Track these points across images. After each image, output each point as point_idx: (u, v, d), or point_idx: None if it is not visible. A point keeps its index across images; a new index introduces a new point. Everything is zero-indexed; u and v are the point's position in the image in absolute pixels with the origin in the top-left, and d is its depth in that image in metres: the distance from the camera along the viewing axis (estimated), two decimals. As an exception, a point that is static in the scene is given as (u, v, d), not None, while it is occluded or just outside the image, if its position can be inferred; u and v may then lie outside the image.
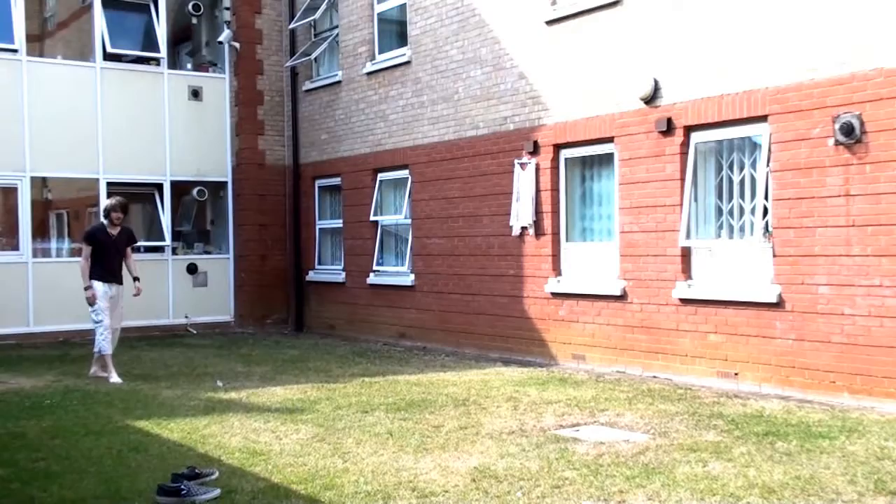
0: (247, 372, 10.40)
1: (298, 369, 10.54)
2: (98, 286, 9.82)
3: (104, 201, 11.92)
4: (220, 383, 9.44)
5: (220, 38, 15.51)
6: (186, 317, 14.98)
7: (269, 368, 10.67)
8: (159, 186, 15.03)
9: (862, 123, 7.66)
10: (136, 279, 10.20)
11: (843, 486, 5.15)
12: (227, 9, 15.54)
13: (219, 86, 15.61)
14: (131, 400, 8.48)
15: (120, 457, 6.17)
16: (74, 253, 13.55)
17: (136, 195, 15.01)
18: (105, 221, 10.12)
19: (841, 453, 5.91)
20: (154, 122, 14.91)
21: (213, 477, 5.50)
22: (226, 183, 15.68)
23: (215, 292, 15.42)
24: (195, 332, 14.79)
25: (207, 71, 15.73)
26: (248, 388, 9.08)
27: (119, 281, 10.04)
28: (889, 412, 7.26)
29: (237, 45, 15.48)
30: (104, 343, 9.75)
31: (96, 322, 9.81)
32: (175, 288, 15.06)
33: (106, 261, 9.90)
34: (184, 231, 15.63)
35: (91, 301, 9.76)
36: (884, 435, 6.43)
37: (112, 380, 9.65)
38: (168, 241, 14.98)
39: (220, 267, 15.57)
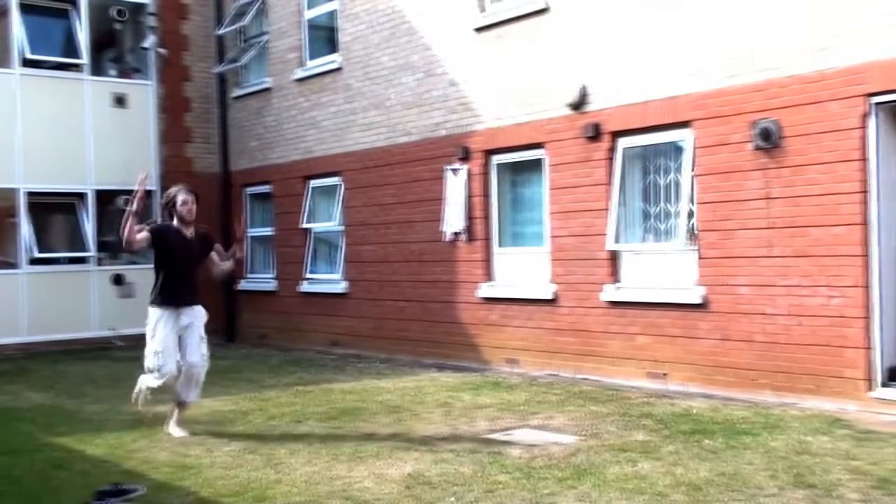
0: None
1: (229, 380, 10.38)
2: (159, 318, 6.98)
3: (166, 192, 7.41)
4: (148, 396, 9.21)
5: (145, 44, 15.20)
6: (112, 329, 14.61)
7: (199, 380, 10.48)
8: (82, 195, 14.63)
9: (779, 129, 7.91)
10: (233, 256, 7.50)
11: (765, 480, 5.30)
12: (152, 14, 15.24)
13: (144, 92, 15.29)
14: (54, 416, 8.24)
15: (42, 475, 5.99)
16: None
17: (57, 205, 14.61)
18: (173, 221, 7.09)
19: (763, 449, 6.09)
20: (76, 130, 14.52)
21: (140, 493, 5.38)
22: (152, 191, 15.33)
23: (143, 303, 14.96)
24: (121, 343, 14.42)
25: (132, 77, 15.39)
26: (178, 401, 8.89)
27: (192, 302, 7.12)
28: (809, 408, 7.50)
29: (163, 51, 15.21)
30: (147, 390, 7.24)
31: (155, 368, 6.97)
32: (100, 299, 14.67)
33: (175, 275, 6.97)
34: (108, 241, 15.24)
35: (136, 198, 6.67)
36: (803, 430, 6.64)
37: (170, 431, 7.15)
38: (92, 251, 14.60)
39: (147, 277, 15.13)
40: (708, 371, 8.51)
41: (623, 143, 9.37)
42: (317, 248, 13.85)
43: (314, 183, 13.64)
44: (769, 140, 7.96)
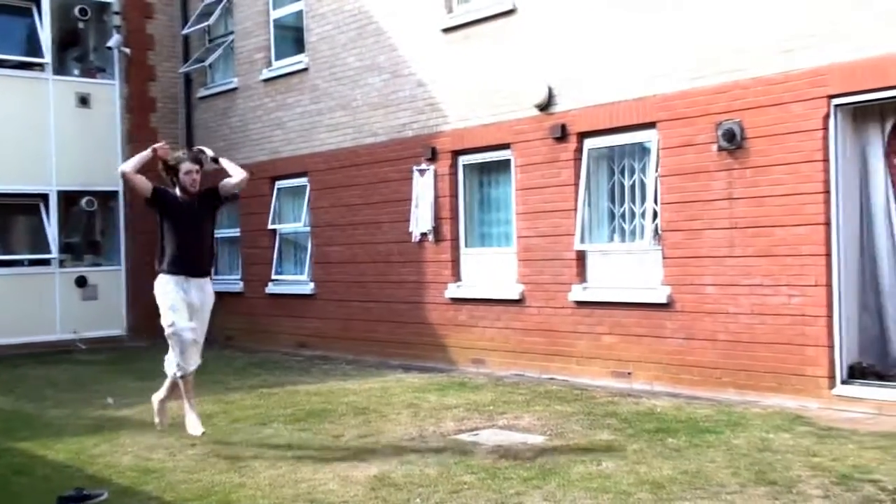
0: (140, 387, 10.01)
1: (195, 383, 10.27)
2: (168, 284, 6.53)
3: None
4: (110, 400, 9.12)
5: (110, 44, 15.02)
6: (75, 332, 14.40)
7: (163, 383, 10.35)
8: (45, 197, 14.41)
9: (742, 130, 8.00)
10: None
11: (727, 478, 5.35)
12: (117, 13, 15.07)
13: (108, 92, 15.10)
14: (14, 420, 8.10)
15: (2, 481, 5.89)
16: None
17: (19, 206, 14.38)
18: (176, 189, 6.62)
19: (726, 447, 6.15)
20: (39, 130, 14.29)
21: (103, 498, 5.32)
22: (117, 192, 15.16)
23: (106, 305, 14.89)
24: (84, 347, 14.23)
25: (96, 77, 15.20)
26: (141, 405, 8.75)
27: (200, 272, 6.67)
28: (770, 406, 7.59)
29: (127, 50, 15.03)
30: (176, 359, 6.59)
31: (169, 325, 6.48)
32: (62, 302, 14.46)
33: (178, 244, 6.50)
34: (72, 243, 15.04)
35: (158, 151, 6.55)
36: (765, 427, 6.72)
37: (189, 429, 6.64)
38: (55, 253, 14.38)
39: (111, 279, 15.05)
40: (673, 370, 8.57)
41: (589, 143, 9.41)
42: (283, 249, 13.76)
43: (281, 184, 13.56)
44: (733, 141, 8.04)
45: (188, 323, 6.52)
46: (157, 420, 6.96)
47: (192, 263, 6.59)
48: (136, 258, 14.98)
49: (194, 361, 6.72)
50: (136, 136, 15.07)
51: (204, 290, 6.72)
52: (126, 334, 14.97)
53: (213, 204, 6.78)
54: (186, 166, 6.55)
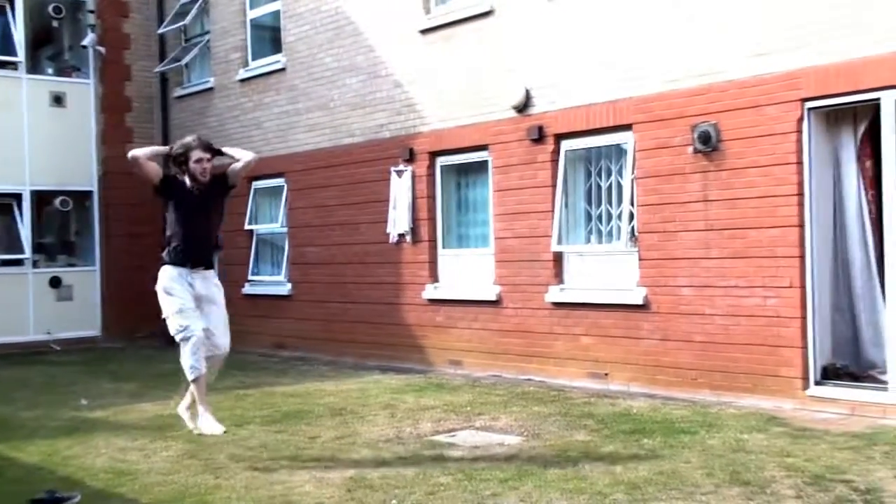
0: (115, 389, 10.00)
1: (171, 384, 10.09)
2: (172, 276, 6.12)
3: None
4: (84, 402, 9.03)
5: (84, 43, 14.88)
6: (48, 332, 14.24)
7: (138, 384, 10.28)
8: (18, 196, 14.25)
9: (718, 132, 8.06)
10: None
11: (702, 478, 5.38)
12: (91, 12, 14.94)
13: (83, 91, 14.97)
14: (-13, 422, 8.01)
15: (-28, 483, 5.82)
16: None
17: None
18: (185, 178, 6.18)
19: (701, 447, 6.19)
20: (12, 129, 14.13)
21: (76, 500, 5.26)
22: (92, 192, 15.03)
23: (81, 306, 14.74)
24: (58, 348, 14.08)
25: (70, 76, 15.06)
26: (116, 406, 8.74)
27: (206, 263, 6.27)
28: (745, 406, 7.65)
29: (102, 49, 14.89)
30: (189, 360, 6.04)
31: (178, 331, 6.03)
32: (36, 303, 14.30)
33: (184, 233, 6.12)
34: (46, 243, 14.88)
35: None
36: (739, 428, 6.77)
37: (201, 426, 6.17)
38: (28, 253, 14.23)
39: (86, 279, 14.90)
40: (650, 371, 8.62)
41: (566, 145, 9.45)
42: (260, 250, 13.70)
43: (258, 184, 13.49)
44: (708, 143, 8.09)
45: (199, 323, 6.05)
46: (190, 425, 6.31)
47: (199, 254, 6.19)
48: (112, 258, 14.88)
49: (223, 344, 6.33)
50: (111, 136, 14.96)
51: (209, 281, 6.28)
52: (101, 335, 14.84)
53: (222, 191, 6.39)
54: (197, 154, 6.08)
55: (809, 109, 7.54)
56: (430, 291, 10.82)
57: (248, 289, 13.54)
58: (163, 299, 6.11)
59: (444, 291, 10.70)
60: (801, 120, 7.56)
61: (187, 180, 6.17)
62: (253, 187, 13.54)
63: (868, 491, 5.04)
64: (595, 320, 9.09)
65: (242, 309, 13.66)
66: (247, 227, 13.53)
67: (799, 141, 7.57)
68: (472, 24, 10.26)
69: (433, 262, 10.87)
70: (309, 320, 12.51)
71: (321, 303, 12.34)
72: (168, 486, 5.59)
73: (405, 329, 11.14)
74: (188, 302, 6.04)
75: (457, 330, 10.53)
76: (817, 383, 7.54)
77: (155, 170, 6.16)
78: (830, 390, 7.44)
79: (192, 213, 6.16)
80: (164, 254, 6.20)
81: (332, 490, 5.37)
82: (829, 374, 7.60)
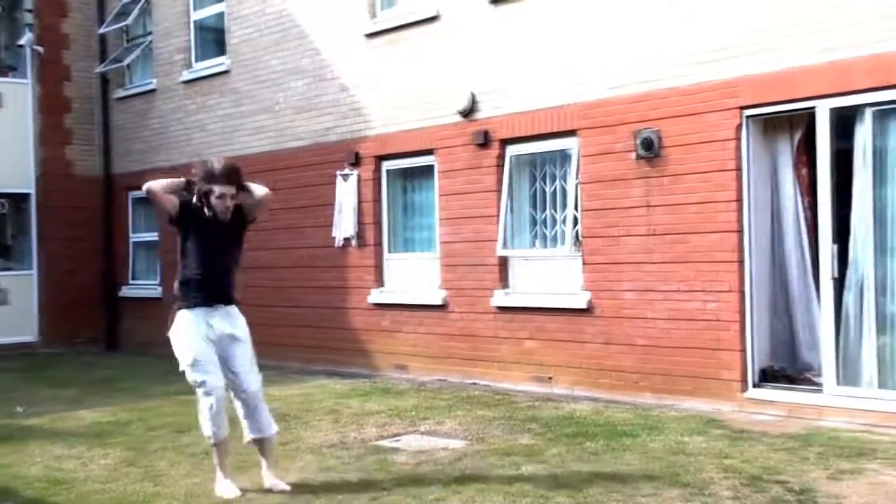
0: (52, 395, 9.76)
1: (110, 390, 10.02)
2: (187, 322, 5.56)
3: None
4: (19, 409, 8.80)
5: (21, 42, 14.53)
6: (-17, 339, 13.88)
7: (77, 391, 10.06)
8: (-48, 199, 13.89)
9: (660, 139, 8.19)
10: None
11: (643, 481, 5.45)
12: (29, 11, 14.58)
13: (20, 92, 14.59)
14: (-84, 432, 7.75)
15: None
16: None
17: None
18: (204, 209, 5.49)
19: (642, 450, 6.27)
20: (-54, 129, 13.77)
21: (8, 511, 5.08)
22: (29, 195, 14.66)
23: (18, 311, 14.35)
24: (-6, 354, 13.72)
25: (7, 76, 14.68)
26: (53, 413, 8.53)
27: (226, 299, 5.68)
28: (686, 409, 7.78)
29: (40, 49, 14.55)
30: (207, 424, 5.48)
31: (197, 385, 5.50)
32: (-30, 308, 13.93)
33: (205, 262, 5.54)
34: (-19, 246, 14.50)
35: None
36: (680, 431, 6.87)
37: (217, 488, 5.48)
38: (-37, 257, 13.85)
39: (22, 284, 14.52)
40: (593, 374, 8.71)
41: (512, 150, 9.51)
42: (204, 254, 13.49)
43: (202, 187, 13.30)
44: (651, 149, 8.22)
45: (218, 376, 5.46)
46: (281, 485, 5.54)
47: (219, 288, 5.60)
48: (49, 262, 14.53)
49: (270, 423, 5.74)
50: (49, 137, 14.63)
51: (232, 317, 5.67)
52: (39, 340, 14.47)
53: (241, 224, 5.73)
54: (220, 189, 5.41)
55: (748, 117, 7.71)
56: (375, 296, 10.78)
57: (191, 293, 13.32)
58: (176, 348, 5.57)
59: (390, 296, 10.68)
60: (739, 127, 7.72)
61: (206, 210, 5.51)
62: (196, 190, 13.34)
63: (802, 491, 5.16)
64: (540, 324, 9.16)
65: (185, 314, 13.48)
66: (190, 230, 13.31)
67: (738, 148, 7.73)
68: (418, 29, 10.27)
69: (379, 267, 10.84)
70: (253, 325, 12.23)
71: (266, 307, 12.17)
72: (106, 494, 5.49)
73: (351, 333, 11.09)
74: (204, 352, 5.45)
75: (402, 334, 10.51)
76: (755, 386, 7.70)
77: (171, 202, 5.53)
78: (768, 392, 7.60)
79: (213, 244, 5.54)
80: (178, 290, 5.62)
81: (275, 497, 5.31)
82: (767, 377, 7.76)
